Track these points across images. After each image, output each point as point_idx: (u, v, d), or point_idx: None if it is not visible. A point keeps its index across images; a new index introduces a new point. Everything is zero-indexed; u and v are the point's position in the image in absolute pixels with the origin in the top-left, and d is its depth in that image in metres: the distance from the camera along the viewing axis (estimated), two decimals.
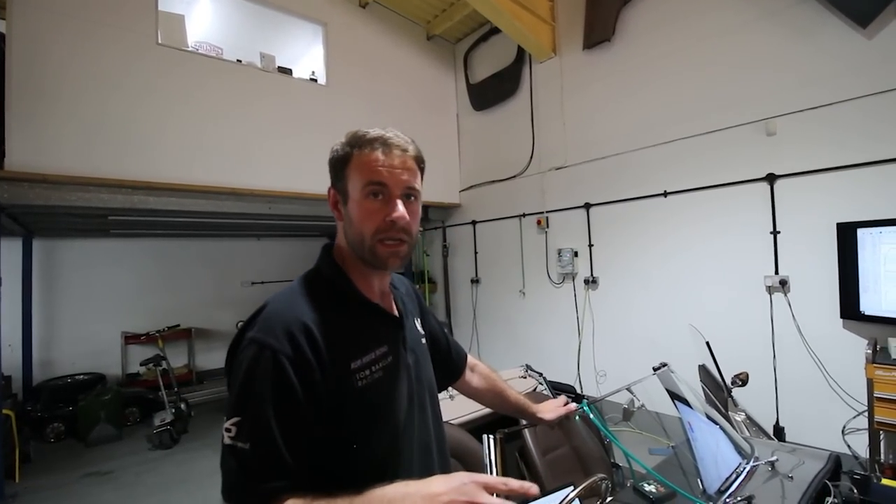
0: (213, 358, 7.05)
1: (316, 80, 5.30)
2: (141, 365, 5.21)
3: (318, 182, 4.96)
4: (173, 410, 4.76)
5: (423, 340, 1.13)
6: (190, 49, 4.47)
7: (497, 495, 0.72)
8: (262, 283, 7.61)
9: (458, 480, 0.72)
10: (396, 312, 1.05)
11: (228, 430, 0.77)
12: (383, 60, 5.82)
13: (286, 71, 5.06)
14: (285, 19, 5.18)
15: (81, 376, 5.54)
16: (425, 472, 0.96)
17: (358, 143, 0.92)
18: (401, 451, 0.94)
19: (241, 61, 4.73)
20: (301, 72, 5.38)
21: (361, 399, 0.87)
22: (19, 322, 5.39)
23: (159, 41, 4.11)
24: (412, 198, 0.94)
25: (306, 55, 5.73)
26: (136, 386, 5.82)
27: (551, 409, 1.39)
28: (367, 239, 0.90)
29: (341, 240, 0.98)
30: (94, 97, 3.75)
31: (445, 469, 1.06)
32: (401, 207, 0.90)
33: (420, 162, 0.97)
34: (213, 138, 4.33)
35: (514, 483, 0.75)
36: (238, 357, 0.83)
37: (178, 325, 6.44)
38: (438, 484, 0.72)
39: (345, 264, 0.97)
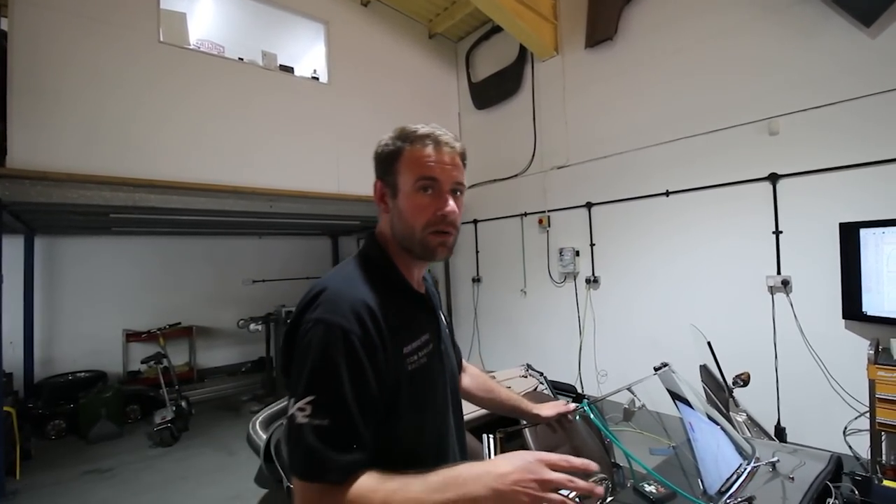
0: (214, 356, 7.06)
1: (318, 79, 5.29)
2: (142, 363, 5.21)
3: (320, 180, 5.00)
4: (174, 408, 4.76)
5: (447, 332, 1.18)
6: (192, 47, 4.47)
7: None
8: (264, 281, 7.61)
9: (523, 459, 0.74)
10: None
11: (303, 409, 0.78)
12: (385, 59, 5.81)
13: (288, 69, 5.06)
14: (287, 17, 5.18)
15: (82, 374, 5.55)
16: (460, 457, 1.02)
17: (409, 138, 0.95)
18: (445, 434, 0.99)
19: (242, 59, 4.73)
20: (303, 70, 5.38)
21: (412, 382, 0.91)
22: (21, 319, 5.40)
23: (161, 39, 4.12)
24: (458, 192, 0.98)
25: (308, 53, 5.73)
26: (137, 384, 5.83)
27: (549, 406, 1.40)
28: (417, 231, 0.94)
29: (385, 230, 1.01)
30: (95, 95, 3.75)
31: (465, 455, 1.09)
32: (451, 202, 0.95)
33: (464, 158, 1.01)
34: (215, 136, 4.33)
35: (575, 461, 0.76)
36: (305, 338, 0.83)
37: (180, 323, 6.45)
38: (504, 464, 0.74)
39: (389, 252, 1.01)
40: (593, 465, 0.78)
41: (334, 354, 0.80)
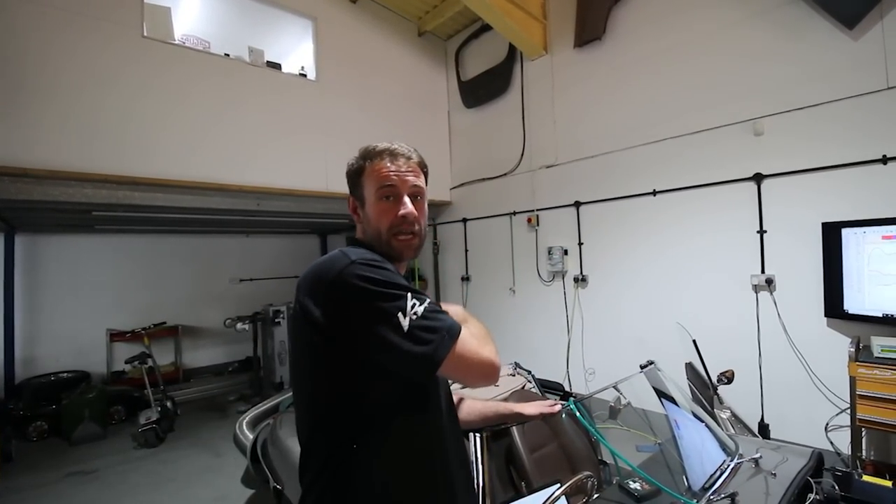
0: (200, 356, 6.98)
1: (305, 76, 5.24)
2: (126, 363, 5.14)
3: (308, 178, 4.96)
4: (159, 409, 4.70)
5: None
6: (177, 42, 4.40)
7: None
8: (251, 280, 7.54)
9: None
10: None
11: (412, 307, 0.90)
12: (374, 56, 5.77)
13: (275, 66, 5.00)
14: (274, 13, 5.12)
15: (65, 374, 5.46)
16: (453, 435, 1.13)
17: (369, 155, 1.09)
18: (436, 395, 1.07)
19: (229, 55, 4.66)
20: (290, 67, 5.32)
21: None
22: (1, 319, 5.28)
23: (145, 34, 4.04)
24: (419, 197, 1.10)
25: (296, 50, 5.67)
26: (121, 384, 5.74)
27: (533, 405, 1.42)
28: (383, 234, 1.06)
29: (360, 237, 1.14)
30: (77, 91, 3.67)
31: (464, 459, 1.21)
32: (409, 204, 1.06)
33: (423, 167, 1.14)
34: (201, 133, 4.27)
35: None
36: (354, 279, 0.91)
37: (165, 323, 6.36)
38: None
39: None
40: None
41: (384, 268, 0.94)
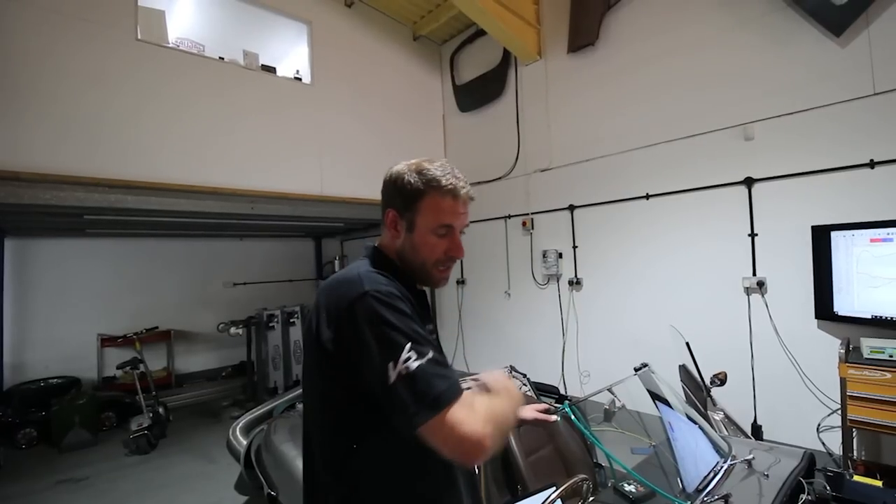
0: (193, 360, 6.93)
1: (300, 80, 5.24)
2: (117, 368, 5.09)
3: (302, 181, 4.95)
4: (151, 415, 4.65)
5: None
6: (171, 45, 4.38)
7: None
8: (245, 284, 7.50)
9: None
10: None
11: (408, 358, 0.86)
12: (369, 60, 5.78)
13: (270, 69, 5.00)
14: (269, 17, 5.11)
15: (55, 380, 5.39)
16: None
17: (434, 183, 1.05)
18: None
19: (223, 59, 4.65)
20: (285, 71, 5.32)
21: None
22: None
23: (139, 37, 4.02)
24: (463, 231, 1.13)
25: (291, 54, 5.67)
26: (112, 390, 5.67)
27: (528, 409, 1.42)
28: (427, 264, 1.08)
29: (389, 245, 1.12)
30: (70, 93, 3.65)
31: None
32: (462, 247, 1.10)
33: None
34: (194, 137, 4.25)
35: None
36: (364, 311, 0.91)
37: (157, 327, 6.30)
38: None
39: (393, 261, 1.12)
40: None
41: (395, 306, 0.92)
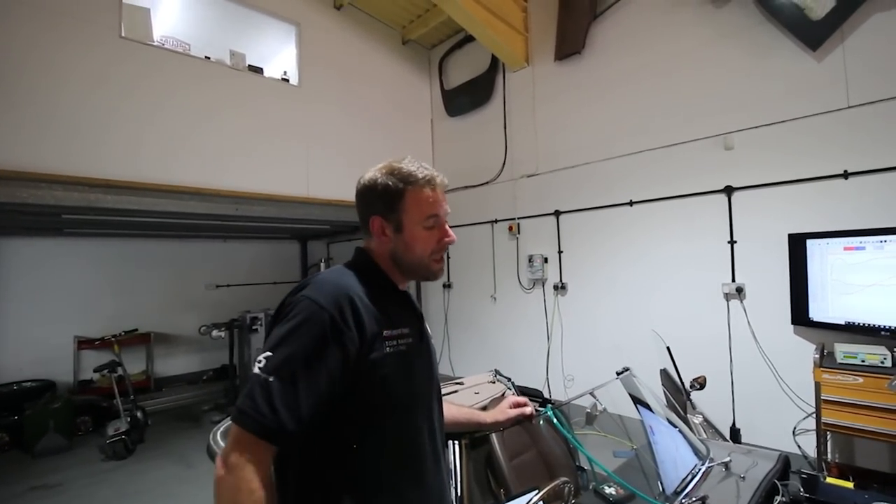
0: (173, 364, 6.79)
1: (288, 81, 5.21)
2: (94, 371, 4.95)
3: (288, 183, 4.91)
4: (129, 419, 4.54)
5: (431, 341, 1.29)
6: (155, 44, 4.32)
7: None
8: (228, 286, 7.39)
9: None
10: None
11: (259, 361, 0.90)
12: (358, 63, 5.78)
13: (257, 70, 4.96)
14: (257, 17, 5.07)
15: (29, 383, 5.24)
16: (433, 453, 1.10)
17: (409, 180, 1.08)
18: (413, 417, 1.07)
19: (209, 58, 4.60)
20: (273, 71, 5.29)
21: (386, 361, 1.01)
22: None
23: (122, 34, 3.96)
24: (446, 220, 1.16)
25: (278, 55, 5.64)
26: (88, 393, 5.52)
27: (501, 411, 1.47)
28: (424, 258, 1.10)
29: (377, 249, 1.14)
30: (51, 90, 3.56)
31: (444, 453, 1.20)
32: (452, 233, 1.13)
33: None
34: (178, 136, 4.19)
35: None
36: (289, 309, 0.96)
37: (136, 330, 6.18)
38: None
39: (377, 263, 1.14)
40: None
41: (306, 329, 0.92)
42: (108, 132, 3.81)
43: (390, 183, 1.08)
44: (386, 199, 1.09)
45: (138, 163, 3.94)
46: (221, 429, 3.75)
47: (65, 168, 3.59)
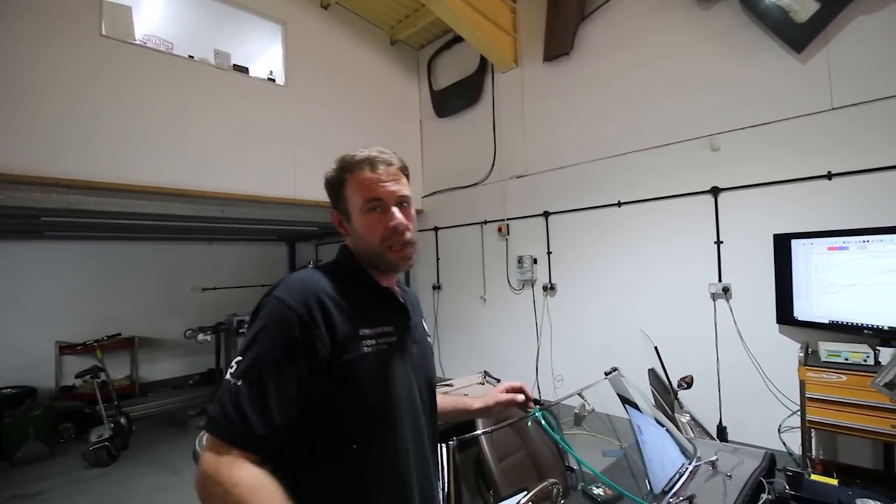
0: (158, 368, 6.68)
1: (274, 80, 5.16)
2: (76, 377, 4.86)
3: (274, 185, 4.86)
4: (112, 425, 4.45)
5: (430, 340, 1.24)
6: (137, 42, 4.25)
7: None
8: (215, 289, 7.29)
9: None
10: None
11: (231, 367, 0.87)
12: (345, 63, 5.74)
13: (242, 69, 4.90)
14: (242, 16, 5.02)
15: (8, 390, 5.12)
16: (418, 458, 1.04)
17: (348, 167, 1.04)
18: (394, 422, 1.00)
19: (193, 57, 4.54)
20: (258, 71, 5.23)
21: (364, 362, 0.96)
22: None
23: (103, 32, 3.89)
24: (405, 204, 1.07)
25: (264, 54, 5.58)
26: (71, 400, 5.41)
27: (492, 395, 1.40)
28: (376, 248, 1.03)
29: (349, 245, 1.11)
30: (27, 90, 3.47)
31: (435, 458, 1.16)
32: (398, 214, 1.03)
33: (405, 171, 1.11)
34: (162, 137, 4.12)
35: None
36: (262, 309, 0.93)
37: (120, 334, 6.07)
38: None
39: (358, 260, 1.10)
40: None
41: (273, 330, 0.88)
42: (89, 132, 3.73)
43: (332, 173, 1.06)
44: (331, 190, 1.08)
45: (120, 164, 3.86)
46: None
47: (44, 169, 3.50)
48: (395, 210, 1.03)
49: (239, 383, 0.84)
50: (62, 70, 3.64)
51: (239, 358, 0.87)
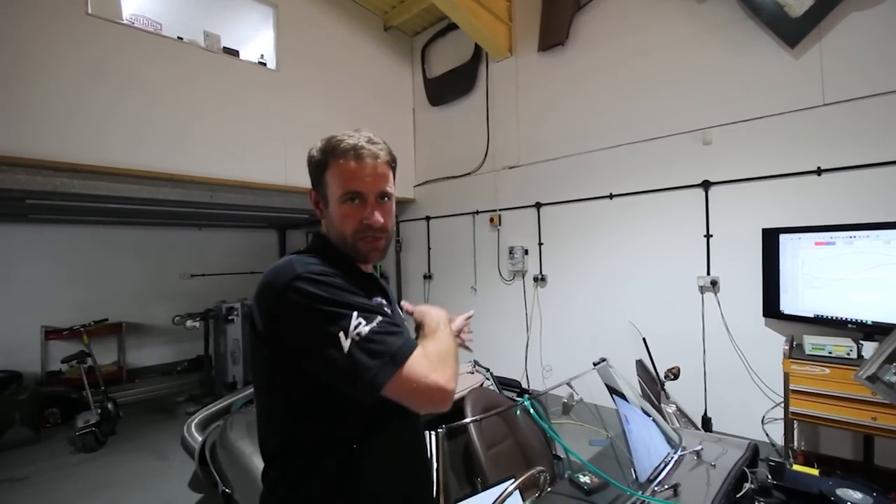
0: (146, 354, 6.63)
1: (265, 65, 5.07)
2: (62, 362, 4.80)
3: (265, 171, 4.80)
4: (99, 411, 4.42)
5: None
6: (125, 22, 4.14)
7: None
8: (203, 275, 7.23)
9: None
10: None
11: (357, 326, 0.85)
12: (338, 49, 5.65)
13: (233, 52, 4.80)
14: None
15: None
16: (417, 456, 1.11)
17: (333, 152, 1.00)
18: (392, 417, 1.00)
19: (182, 39, 4.43)
20: (249, 55, 5.13)
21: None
22: None
23: (89, 11, 3.78)
24: (385, 198, 1.04)
25: (255, 38, 5.47)
26: (57, 385, 5.37)
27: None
28: (348, 238, 1.01)
29: (326, 229, 1.08)
30: (12, 69, 3.38)
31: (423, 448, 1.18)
32: (376, 214, 1.01)
33: (392, 163, 1.07)
34: (150, 120, 4.03)
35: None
36: (298, 294, 0.88)
37: (107, 319, 6.00)
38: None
39: (333, 245, 1.07)
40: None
41: (330, 283, 0.89)
42: (75, 114, 3.64)
43: (315, 154, 1.03)
44: (312, 170, 1.05)
45: (107, 147, 3.78)
46: (196, 420, 3.69)
47: (28, 151, 3.42)
48: (374, 207, 1.01)
49: (375, 324, 0.86)
50: (46, 49, 3.54)
51: (353, 314, 0.87)
